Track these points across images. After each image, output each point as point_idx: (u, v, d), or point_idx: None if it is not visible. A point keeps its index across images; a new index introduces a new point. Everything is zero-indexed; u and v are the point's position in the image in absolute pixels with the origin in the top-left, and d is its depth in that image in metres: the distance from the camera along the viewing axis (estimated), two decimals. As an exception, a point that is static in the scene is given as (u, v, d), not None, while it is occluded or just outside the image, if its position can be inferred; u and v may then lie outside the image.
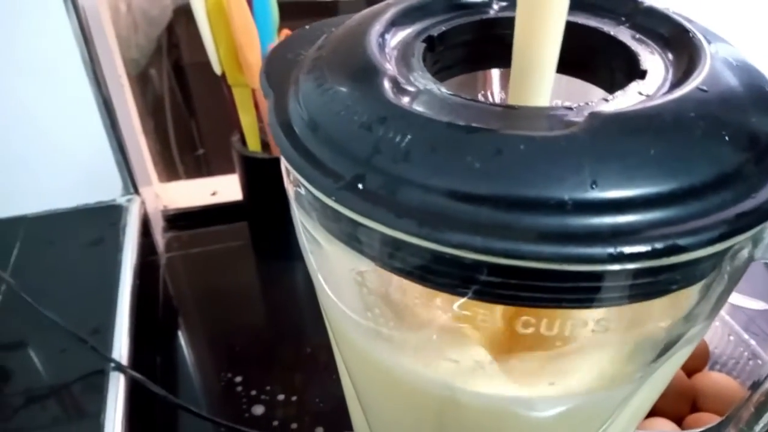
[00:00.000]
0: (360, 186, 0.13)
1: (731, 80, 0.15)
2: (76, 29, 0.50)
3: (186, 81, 1.00)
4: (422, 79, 0.16)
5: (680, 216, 0.12)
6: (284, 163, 0.16)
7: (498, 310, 0.14)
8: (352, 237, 0.15)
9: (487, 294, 0.13)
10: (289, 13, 0.68)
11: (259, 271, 0.61)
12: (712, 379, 0.45)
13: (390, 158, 0.13)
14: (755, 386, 0.22)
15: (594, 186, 0.12)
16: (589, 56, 0.19)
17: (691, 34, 0.17)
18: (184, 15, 0.97)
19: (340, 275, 0.17)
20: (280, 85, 0.17)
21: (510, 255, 0.12)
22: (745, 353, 0.49)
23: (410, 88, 0.15)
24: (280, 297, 0.57)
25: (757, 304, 0.52)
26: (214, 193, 0.68)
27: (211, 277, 0.60)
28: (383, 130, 0.14)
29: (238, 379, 0.48)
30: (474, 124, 0.13)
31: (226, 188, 0.67)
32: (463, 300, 0.14)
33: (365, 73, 0.15)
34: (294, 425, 0.44)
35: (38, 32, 0.49)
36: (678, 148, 0.13)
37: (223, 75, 0.54)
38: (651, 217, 0.12)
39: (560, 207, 0.12)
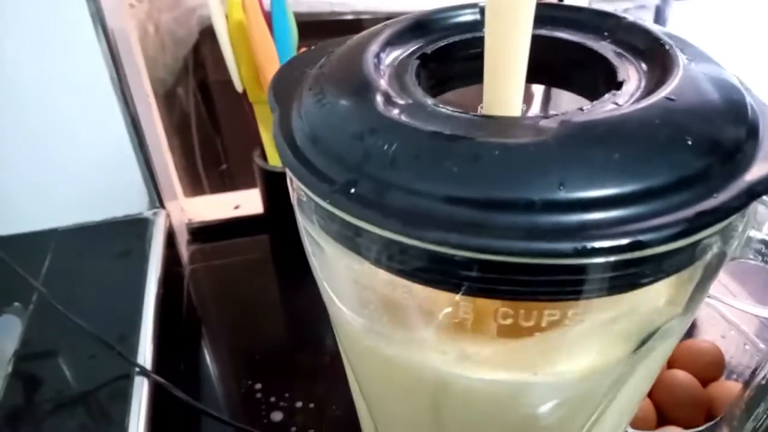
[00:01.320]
0: (352, 190, 0.15)
1: (701, 90, 0.16)
2: (105, 51, 0.52)
3: (211, 99, 1.03)
4: (413, 94, 0.17)
5: (643, 214, 0.13)
6: (288, 173, 0.18)
7: (479, 303, 0.16)
8: (347, 238, 0.16)
9: (468, 288, 0.15)
10: (311, 32, 0.70)
11: (279, 282, 0.63)
12: (728, 388, 0.44)
13: (378, 165, 0.15)
14: (747, 383, 0.22)
15: (561, 187, 0.13)
16: (574, 69, 0.20)
17: (666, 47, 0.18)
18: (209, 36, 1.00)
19: (338, 274, 0.19)
20: (286, 100, 0.19)
21: (484, 250, 0.13)
22: (762, 363, 0.49)
23: (400, 101, 0.17)
24: (300, 307, 0.58)
25: (768, 312, 0.51)
26: (237, 207, 0.70)
27: (234, 288, 0.62)
28: (373, 139, 0.15)
29: (258, 386, 0.49)
30: (454, 133, 0.15)
31: (249, 202, 0.69)
32: (448, 296, 0.15)
33: (360, 89, 0.17)
34: (311, 431, 0.45)
35: (70, 54, 0.52)
36: (641, 153, 0.14)
37: (245, 92, 0.57)
38: (615, 215, 0.13)
39: (530, 207, 0.13)
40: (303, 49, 0.58)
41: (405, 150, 0.15)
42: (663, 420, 0.43)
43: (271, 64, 0.53)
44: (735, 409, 0.22)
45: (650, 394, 0.44)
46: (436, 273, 0.15)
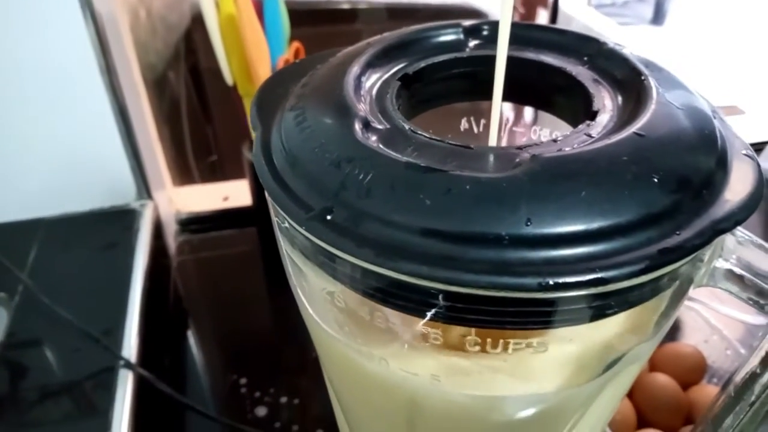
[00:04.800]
0: (328, 217, 0.15)
1: (672, 125, 0.17)
2: (93, 38, 0.52)
3: (202, 86, 1.02)
4: (392, 117, 0.18)
5: (607, 251, 0.14)
6: (267, 196, 0.18)
7: (448, 330, 0.16)
8: (322, 262, 0.17)
9: (438, 316, 0.15)
10: (305, 21, 0.69)
11: (267, 275, 0.63)
12: (708, 392, 0.45)
13: (354, 194, 0.15)
14: (723, 388, 0.23)
15: (529, 223, 0.14)
16: (555, 94, 0.21)
17: (642, 78, 0.18)
18: (201, 22, 0.99)
19: (316, 295, 0.19)
20: (268, 118, 0.19)
21: (452, 282, 0.14)
22: (743, 367, 0.50)
23: (379, 127, 0.17)
24: (288, 302, 0.58)
25: (755, 319, 0.52)
26: (225, 198, 0.70)
27: (221, 281, 0.62)
28: (350, 167, 0.15)
29: (243, 380, 0.49)
30: (429, 165, 0.15)
31: (238, 193, 0.69)
32: (418, 321, 0.16)
33: (339, 113, 0.17)
34: (295, 427, 0.46)
35: (56, 40, 0.51)
36: (608, 190, 0.15)
37: (235, 85, 0.56)
38: (580, 252, 0.14)
39: (498, 241, 0.14)
40: (294, 43, 0.58)
41: (380, 180, 0.15)
42: (643, 422, 0.44)
43: (262, 59, 0.53)
44: (710, 416, 0.23)
45: (631, 397, 0.45)
46: (409, 300, 0.15)
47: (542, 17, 1.02)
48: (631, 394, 0.45)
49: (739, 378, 0.22)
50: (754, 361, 0.21)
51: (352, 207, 0.15)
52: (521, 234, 0.14)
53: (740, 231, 0.19)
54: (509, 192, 0.14)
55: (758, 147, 0.79)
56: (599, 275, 0.13)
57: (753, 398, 0.21)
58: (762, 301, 0.19)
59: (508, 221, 0.14)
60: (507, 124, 0.27)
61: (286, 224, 0.17)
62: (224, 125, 1.01)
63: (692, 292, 0.18)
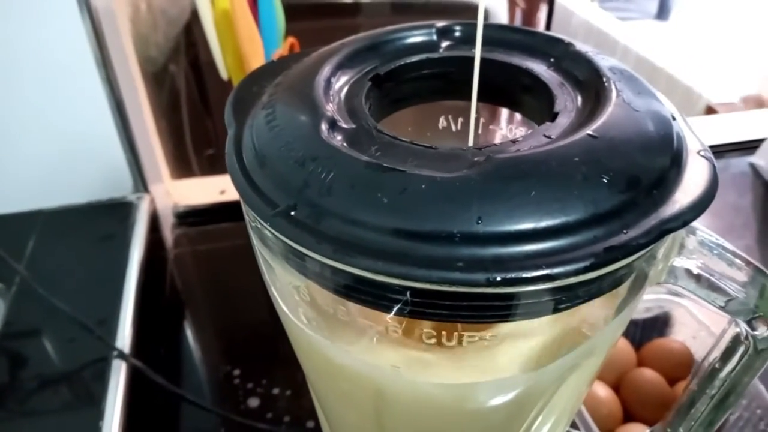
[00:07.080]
0: (292, 214, 0.16)
1: (627, 127, 0.17)
2: (89, 31, 0.52)
3: (203, 79, 1.03)
4: (359, 118, 0.18)
5: (554, 249, 0.15)
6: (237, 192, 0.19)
7: (406, 323, 0.17)
8: (288, 257, 0.17)
9: (397, 310, 0.16)
10: (302, 16, 0.69)
11: (262, 268, 0.64)
12: (695, 387, 0.46)
13: (316, 192, 0.16)
14: (690, 382, 0.23)
15: (479, 222, 0.15)
16: (523, 94, 0.21)
17: (603, 80, 0.19)
18: (202, 16, 0.99)
19: (284, 288, 0.20)
20: (243, 116, 0.20)
21: (405, 277, 0.14)
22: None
23: (345, 126, 0.17)
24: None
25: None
26: (222, 192, 0.71)
27: (217, 273, 0.63)
28: (314, 166, 0.16)
29: (237, 372, 0.50)
30: (388, 164, 0.16)
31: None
32: (377, 314, 0.16)
33: (307, 114, 0.18)
34: (287, 418, 0.46)
35: (52, 34, 0.51)
36: (557, 190, 0.15)
37: (231, 79, 0.57)
38: (528, 249, 0.15)
39: (450, 239, 0.14)
40: (289, 38, 0.58)
41: (341, 179, 0.16)
42: (629, 417, 0.45)
43: (256, 55, 0.54)
44: (673, 410, 0.23)
45: (617, 391, 0.45)
46: (367, 294, 0.16)
47: (544, 12, 1.02)
48: (617, 389, 0.45)
49: (702, 372, 0.23)
50: (716, 355, 0.21)
51: (314, 204, 0.16)
52: (472, 232, 0.14)
53: (702, 231, 0.20)
54: (462, 191, 0.15)
55: (754, 144, 0.79)
56: (545, 272, 0.14)
57: (714, 391, 0.22)
58: (720, 300, 0.19)
59: (460, 219, 0.15)
60: (505, 124, 0.27)
61: (257, 224, 0.18)
62: (223, 119, 1.01)
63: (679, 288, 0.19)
